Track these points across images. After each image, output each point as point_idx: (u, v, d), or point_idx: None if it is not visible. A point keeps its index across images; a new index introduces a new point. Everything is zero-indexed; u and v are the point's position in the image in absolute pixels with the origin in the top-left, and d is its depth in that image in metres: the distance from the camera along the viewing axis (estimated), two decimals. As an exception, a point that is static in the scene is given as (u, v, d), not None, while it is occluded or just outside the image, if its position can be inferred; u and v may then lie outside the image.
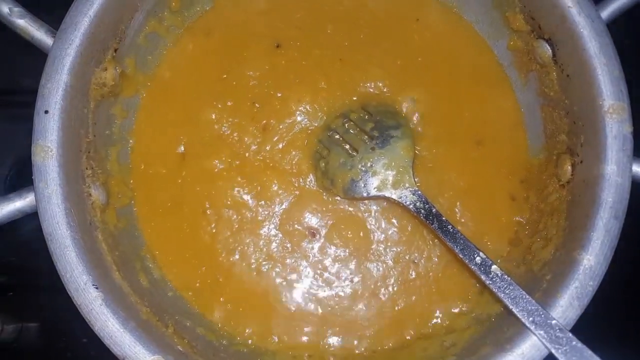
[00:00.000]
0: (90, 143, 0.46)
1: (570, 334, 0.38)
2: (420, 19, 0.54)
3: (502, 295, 0.41)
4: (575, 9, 0.43)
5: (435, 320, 0.49)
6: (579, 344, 0.38)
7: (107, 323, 0.40)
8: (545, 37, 0.47)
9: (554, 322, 0.39)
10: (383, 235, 0.50)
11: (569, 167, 0.46)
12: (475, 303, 0.49)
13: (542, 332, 0.39)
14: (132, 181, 0.51)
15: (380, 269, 0.49)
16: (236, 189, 0.50)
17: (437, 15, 0.54)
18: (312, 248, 0.49)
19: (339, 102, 0.52)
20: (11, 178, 0.64)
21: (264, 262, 0.49)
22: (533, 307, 0.40)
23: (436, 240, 0.49)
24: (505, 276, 0.42)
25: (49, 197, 0.41)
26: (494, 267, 0.42)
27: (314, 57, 0.52)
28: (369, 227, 0.50)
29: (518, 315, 0.40)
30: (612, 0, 0.46)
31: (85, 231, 0.42)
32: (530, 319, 0.39)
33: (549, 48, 0.47)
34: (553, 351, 0.38)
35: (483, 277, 0.42)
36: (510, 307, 0.41)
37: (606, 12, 0.45)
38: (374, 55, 0.53)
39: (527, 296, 0.40)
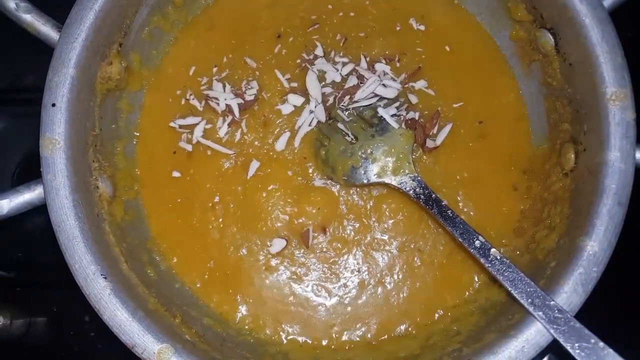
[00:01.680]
0: (96, 136, 0.47)
1: (569, 315, 0.39)
2: (424, 13, 0.54)
3: (501, 277, 0.41)
4: (577, -3, 0.43)
5: (440, 309, 0.49)
6: (577, 324, 0.38)
7: (116, 312, 0.40)
8: (547, 26, 0.47)
9: (552, 303, 0.39)
10: (388, 224, 0.50)
11: (573, 156, 0.46)
12: (480, 291, 0.49)
13: (541, 313, 0.39)
14: (138, 175, 0.52)
15: (386, 258, 0.50)
16: (242, 185, 0.51)
17: (441, 8, 0.54)
18: (319, 240, 0.50)
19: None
20: (18, 175, 0.65)
21: (272, 258, 0.50)
22: (532, 289, 0.40)
23: (440, 229, 0.49)
24: (504, 259, 0.42)
25: (57, 189, 0.41)
26: (493, 250, 0.42)
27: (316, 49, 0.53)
28: (374, 216, 0.50)
29: (517, 297, 0.40)
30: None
31: (93, 222, 0.43)
32: (529, 300, 0.40)
33: (551, 37, 0.47)
34: (552, 332, 0.39)
35: (482, 261, 0.42)
36: (509, 289, 0.41)
37: (608, 0, 0.45)
38: (379, 48, 0.53)
39: (526, 278, 0.41)
